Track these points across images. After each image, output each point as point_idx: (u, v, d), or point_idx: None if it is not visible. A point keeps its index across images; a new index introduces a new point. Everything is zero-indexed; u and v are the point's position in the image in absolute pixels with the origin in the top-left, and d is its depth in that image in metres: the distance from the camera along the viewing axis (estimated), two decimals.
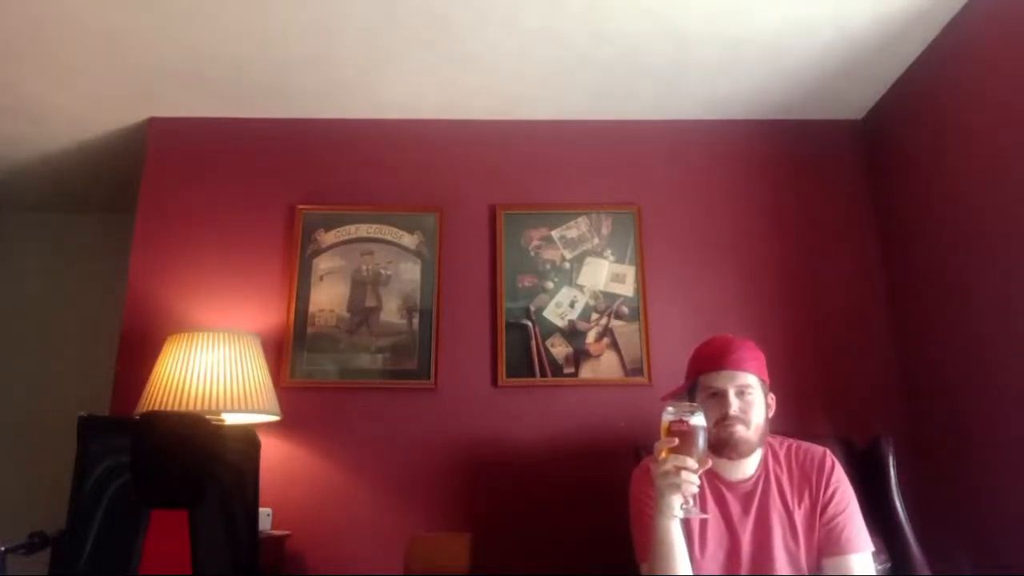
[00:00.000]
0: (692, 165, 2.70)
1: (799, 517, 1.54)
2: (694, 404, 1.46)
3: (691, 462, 1.36)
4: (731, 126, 2.75)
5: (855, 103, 2.67)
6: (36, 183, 3.24)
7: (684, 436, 1.38)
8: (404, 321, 2.50)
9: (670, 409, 1.41)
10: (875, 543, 1.56)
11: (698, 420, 1.39)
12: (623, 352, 2.48)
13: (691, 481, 1.36)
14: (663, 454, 1.38)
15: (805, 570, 1.51)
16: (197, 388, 2.07)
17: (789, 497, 1.55)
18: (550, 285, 2.55)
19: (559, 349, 2.49)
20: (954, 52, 2.21)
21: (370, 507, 2.34)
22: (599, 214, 2.63)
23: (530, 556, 2.27)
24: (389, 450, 2.39)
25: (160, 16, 2.16)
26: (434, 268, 2.56)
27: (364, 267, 2.57)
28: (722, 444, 1.53)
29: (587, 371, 2.47)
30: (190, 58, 2.37)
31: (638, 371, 2.45)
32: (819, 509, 1.54)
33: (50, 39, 2.25)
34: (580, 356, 2.48)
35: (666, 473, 1.37)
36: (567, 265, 2.58)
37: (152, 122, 2.71)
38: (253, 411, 2.12)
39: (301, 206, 2.62)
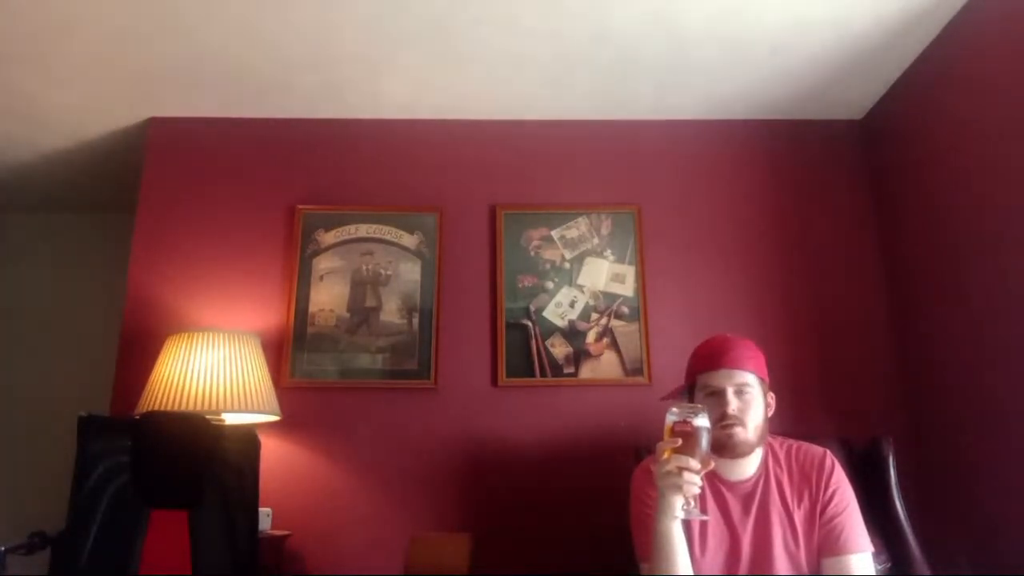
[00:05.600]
0: (692, 165, 2.70)
1: (799, 517, 1.54)
2: (698, 405, 1.46)
3: (694, 463, 1.36)
4: (731, 126, 2.75)
5: (855, 103, 2.67)
6: (36, 183, 3.24)
7: (687, 437, 1.38)
8: (404, 321, 2.50)
9: (674, 410, 1.41)
10: (875, 543, 1.56)
11: (702, 421, 1.39)
12: (623, 352, 2.48)
13: (693, 482, 1.36)
14: (666, 454, 1.38)
15: (805, 570, 1.51)
16: (197, 388, 2.07)
17: (789, 497, 1.55)
18: (550, 285, 2.55)
19: (559, 349, 2.49)
20: (954, 52, 2.21)
21: (370, 507, 2.34)
22: (599, 214, 2.63)
23: (530, 556, 2.27)
24: (389, 450, 2.39)
25: (160, 16, 2.16)
26: (434, 268, 2.56)
27: (364, 267, 2.57)
28: (720, 445, 1.53)
29: (587, 371, 2.47)
30: (190, 58, 2.37)
31: (638, 371, 2.45)
32: (819, 509, 1.53)
33: (50, 39, 2.25)
34: (580, 356, 2.48)
35: (668, 473, 1.37)
36: (567, 265, 2.58)
37: (152, 122, 2.71)
38: (253, 411, 2.12)
39: (301, 206, 2.62)
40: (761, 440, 1.57)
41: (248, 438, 1.76)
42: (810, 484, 1.56)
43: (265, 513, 2.22)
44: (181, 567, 1.63)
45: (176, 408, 2.03)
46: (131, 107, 2.66)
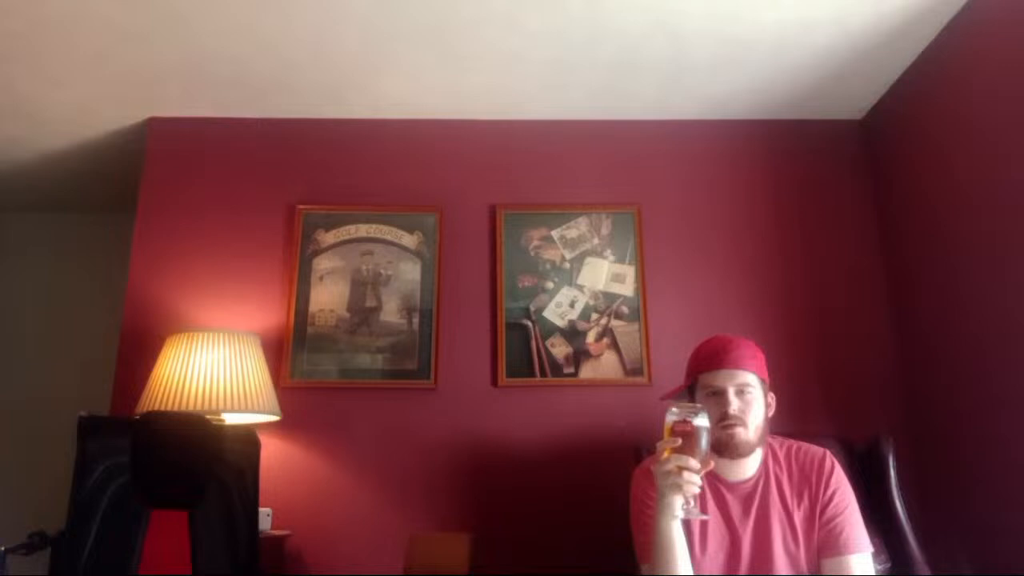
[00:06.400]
0: (692, 165, 2.70)
1: (799, 518, 1.54)
2: (698, 405, 1.46)
3: (693, 462, 1.36)
4: (731, 126, 2.75)
5: (855, 103, 2.67)
6: (36, 183, 3.24)
7: (687, 437, 1.38)
8: (404, 321, 2.50)
9: (674, 410, 1.41)
10: (875, 543, 1.57)
11: (702, 421, 1.39)
12: (623, 352, 2.48)
13: (693, 482, 1.36)
14: (665, 454, 1.38)
15: (805, 570, 1.51)
16: (197, 388, 2.07)
17: (789, 498, 1.56)
18: (550, 285, 2.55)
19: (559, 349, 2.49)
20: (954, 52, 2.21)
21: (370, 507, 2.34)
22: (599, 214, 2.63)
23: (530, 556, 2.27)
24: (389, 450, 2.39)
25: (160, 16, 2.16)
26: (434, 268, 2.56)
27: (364, 267, 2.57)
28: (722, 446, 1.53)
29: (587, 371, 2.47)
30: (190, 58, 2.37)
31: (638, 371, 2.45)
32: (819, 510, 1.54)
33: (50, 39, 2.25)
34: (580, 356, 2.48)
35: (668, 473, 1.37)
36: (567, 265, 2.58)
37: (152, 122, 2.71)
38: (253, 411, 2.12)
39: (301, 206, 2.62)
40: (761, 440, 1.57)
41: (248, 438, 1.76)
42: (810, 484, 1.56)
43: (265, 513, 2.22)
44: (181, 567, 1.63)
45: (176, 408, 2.03)
46: (131, 107, 2.65)
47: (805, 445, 1.64)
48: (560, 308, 2.53)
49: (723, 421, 1.52)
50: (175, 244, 2.58)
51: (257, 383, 2.16)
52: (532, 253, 2.59)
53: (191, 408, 2.03)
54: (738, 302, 2.54)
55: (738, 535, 1.54)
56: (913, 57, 2.39)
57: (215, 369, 2.10)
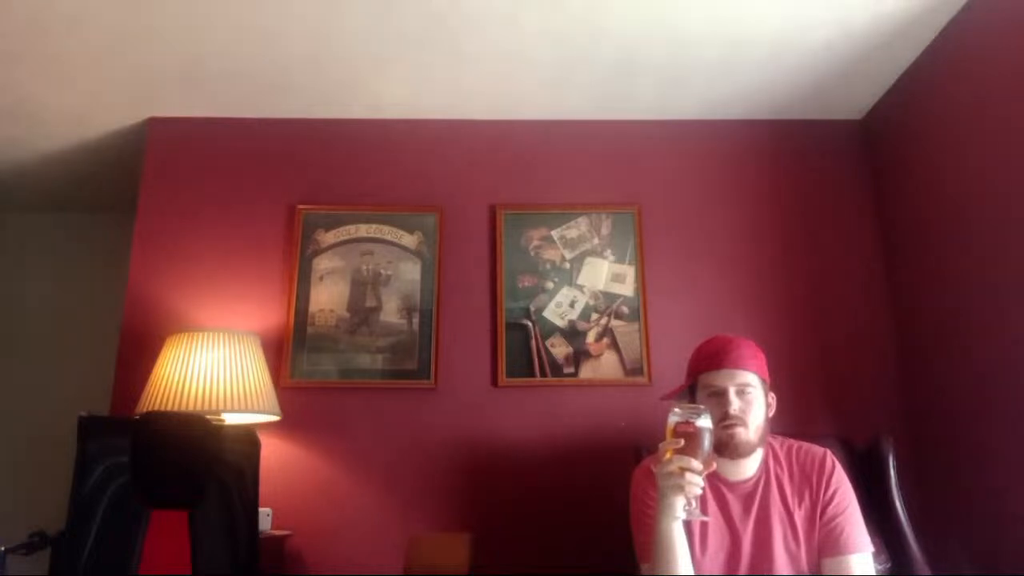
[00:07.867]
0: (692, 165, 2.70)
1: (799, 517, 1.54)
2: (700, 406, 1.46)
3: (696, 464, 1.36)
4: (731, 126, 2.75)
5: (855, 103, 2.67)
6: (36, 183, 3.24)
7: (690, 438, 1.38)
8: (404, 321, 2.50)
9: (676, 410, 1.41)
10: (875, 543, 1.56)
11: (704, 422, 1.39)
12: (623, 352, 2.48)
13: (695, 483, 1.36)
14: (668, 455, 1.38)
15: (805, 570, 1.51)
16: (197, 388, 2.07)
17: (790, 497, 1.56)
18: (550, 285, 2.55)
19: (559, 349, 2.49)
20: (954, 53, 2.21)
21: (370, 507, 2.34)
22: (599, 214, 2.63)
23: (530, 556, 2.27)
24: (389, 450, 2.39)
25: (160, 16, 2.16)
26: (434, 268, 2.56)
27: (364, 267, 2.57)
28: (722, 445, 1.53)
29: (587, 371, 2.47)
30: (190, 58, 2.37)
31: (638, 371, 2.45)
32: (819, 509, 1.54)
33: (50, 39, 2.25)
34: (580, 356, 2.48)
35: (670, 474, 1.37)
36: (567, 265, 2.58)
37: (151, 122, 2.71)
38: (253, 411, 2.12)
39: (301, 206, 2.62)
40: (762, 440, 1.57)
41: (248, 438, 1.76)
42: (811, 484, 1.56)
43: (265, 513, 2.22)
44: (181, 567, 1.63)
45: (176, 408, 2.03)
46: (131, 107, 2.65)
47: (806, 445, 1.64)
48: (560, 308, 2.53)
49: (724, 421, 1.52)
50: (175, 244, 2.58)
51: (257, 383, 2.16)
52: (532, 253, 2.59)
53: (191, 408, 2.03)
54: (738, 302, 2.54)
55: (738, 535, 1.54)
56: (913, 57, 2.39)
57: (215, 369, 2.10)
